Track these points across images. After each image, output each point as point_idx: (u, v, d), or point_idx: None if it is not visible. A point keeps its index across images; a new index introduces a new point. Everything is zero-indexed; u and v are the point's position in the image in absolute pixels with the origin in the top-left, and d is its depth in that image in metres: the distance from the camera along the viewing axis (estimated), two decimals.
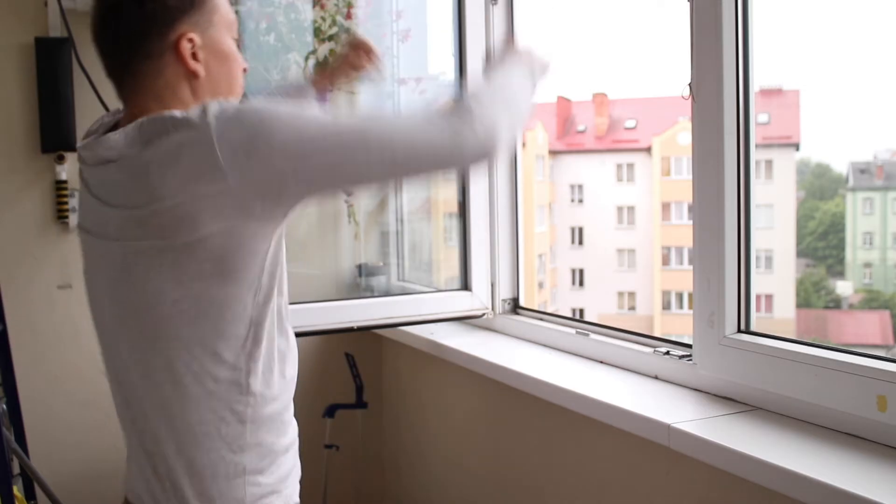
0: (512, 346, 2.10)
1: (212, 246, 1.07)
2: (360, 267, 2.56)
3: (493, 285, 2.26)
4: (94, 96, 2.11)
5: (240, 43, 1.22)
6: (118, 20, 1.13)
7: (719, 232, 1.52)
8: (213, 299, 1.09)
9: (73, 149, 2.28)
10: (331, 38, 2.28)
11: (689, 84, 1.56)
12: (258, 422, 1.16)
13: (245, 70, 1.24)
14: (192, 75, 1.15)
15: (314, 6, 2.28)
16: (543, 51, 1.27)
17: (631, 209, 21.71)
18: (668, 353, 1.70)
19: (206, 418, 1.13)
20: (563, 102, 23.20)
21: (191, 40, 1.14)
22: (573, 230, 22.55)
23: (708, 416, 1.46)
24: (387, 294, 2.49)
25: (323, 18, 2.27)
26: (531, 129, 19.39)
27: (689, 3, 1.56)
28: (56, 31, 2.23)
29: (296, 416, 1.26)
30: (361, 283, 2.52)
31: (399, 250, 2.66)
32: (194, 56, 1.15)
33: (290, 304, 1.23)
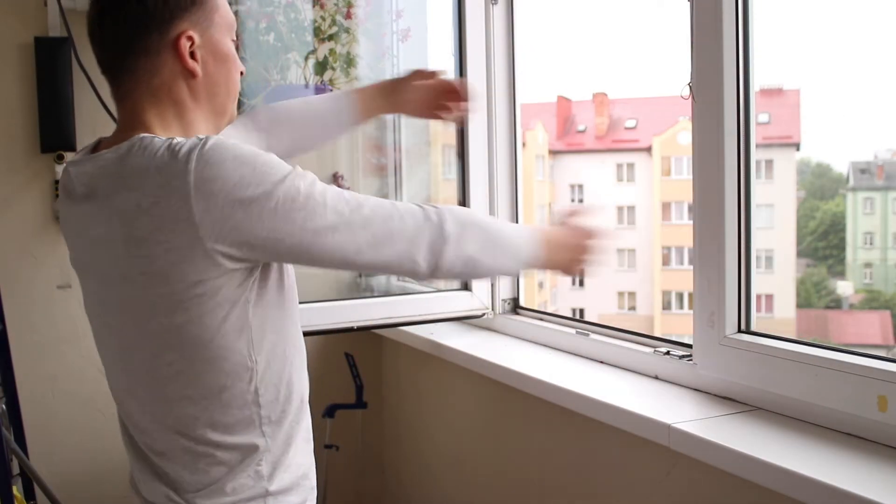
0: (512, 346, 2.10)
1: None
2: None
3: (493, 285, 2.26)
4: (93, 96, 2.11)
5: (238, 44, 1.22)
6: (118, 14, 1.11)
7: (719, 232, 1.52)
8: None
9: (72, 149, 2.27)
10: (331, 37, 2.28)
11: (689, 84, 1.56)
12: None
13: (242, 73, 1.23)
14: (190, 74, 1.14)
15: (314, 6, 2.28)
16: (586, 257, 1.28)
17: (631, 209, 21.67)
18: (668, 353, 1.70)
19: None
20: (563, 102, 23.19)
21: (190, 38, 1.13)
22: None
23: (708, 416, 1.46)
24: (387, 294, 2.49)
25: (323, 18, 2.27)
26: (531, 128, 19.37)
27: (689, 3, 1.56)
28: (56, 30, 2.22)
29: None
30: (361, 282, 2.51)
31: None
32: (192, 55, 1.14)
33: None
